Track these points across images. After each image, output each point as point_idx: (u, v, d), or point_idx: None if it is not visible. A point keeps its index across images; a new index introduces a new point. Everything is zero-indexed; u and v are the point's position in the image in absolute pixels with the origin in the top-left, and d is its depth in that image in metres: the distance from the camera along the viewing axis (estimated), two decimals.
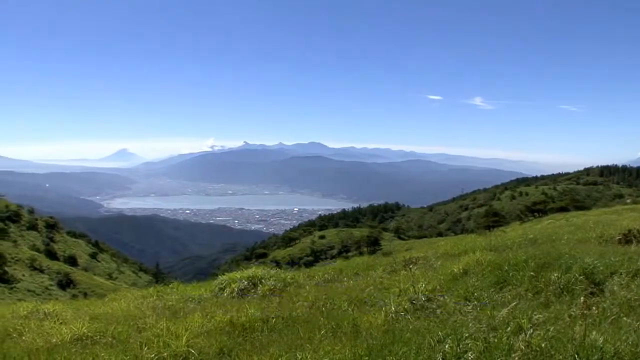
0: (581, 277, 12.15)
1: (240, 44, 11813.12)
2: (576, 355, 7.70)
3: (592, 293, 11.37)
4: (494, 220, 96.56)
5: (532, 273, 12.63)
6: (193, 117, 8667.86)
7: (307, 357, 9.30)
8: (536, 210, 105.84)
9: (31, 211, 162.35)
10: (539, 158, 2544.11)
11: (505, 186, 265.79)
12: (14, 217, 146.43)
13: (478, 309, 10.95)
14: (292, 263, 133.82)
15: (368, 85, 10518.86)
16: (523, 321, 9.11)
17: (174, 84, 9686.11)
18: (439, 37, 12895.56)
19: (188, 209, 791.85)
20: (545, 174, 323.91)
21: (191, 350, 10.55)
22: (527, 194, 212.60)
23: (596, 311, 9.72)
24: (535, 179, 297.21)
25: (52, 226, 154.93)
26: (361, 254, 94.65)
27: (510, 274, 12.92)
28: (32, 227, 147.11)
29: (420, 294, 12.56)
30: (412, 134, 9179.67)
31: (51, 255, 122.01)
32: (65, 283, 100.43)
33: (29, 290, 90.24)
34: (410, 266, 18.55)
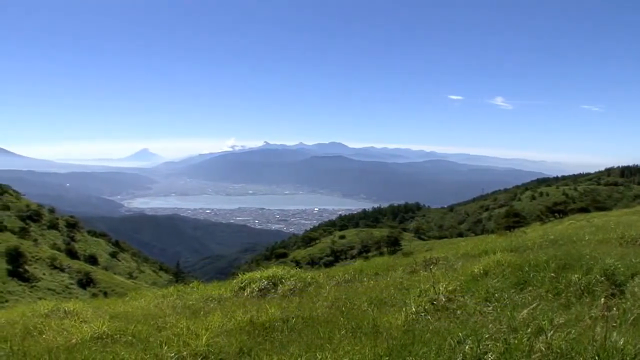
0: (602, 278, 12.09)
1: (262, 45, 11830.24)
2: (597, 357, 7.66)
3: (612, 294, 11.30)
4: (515, 220, 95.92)
5: (552, 274, 12.57)
6: (214, 118, 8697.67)
7: (326, 357, 9.29)
8: (557, 210, 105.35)
9: (52, 210, 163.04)
10: (560, 158, 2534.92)
11: (525, 186, 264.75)
12: (34, 216, 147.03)
13: (498, 309, 10.92)
14: (312, 263, 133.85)
15: (389, 85, 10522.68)
16: (543, 322, 9.04)
17: (195, 85, 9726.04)
18: (460, 38, 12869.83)
19: (208, 209, 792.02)
20: (566, 174, 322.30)
21: (211, 349, 10.56)
22: (547, 195, 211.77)
23: (617, 313, 9.64)
24: (556, 179, 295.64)
25: (72, 225, 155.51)
26: (381, 254, 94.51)
27: (531, 275, 12.86)
28: (53, 226, 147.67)
29: (440, 295, 12.51)
30: (432, 134, 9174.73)
31: (72, 254, 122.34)
32: (86, 282, 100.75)
33: (49, 289, 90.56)
34: (431, 267, 18.52)
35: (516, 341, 8.46)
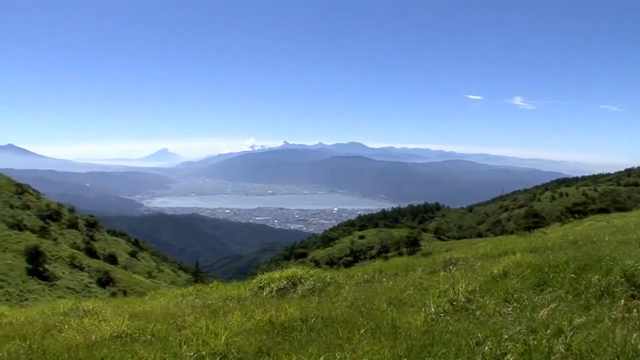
0: (622, 279, 12.00)
1: (280, 46, 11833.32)
2: (616, 359, 7.64)
3: (632, 296, 11.21)
4: (534, 221, 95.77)
5: (572, 275, 12.50)
6: (233, 118, 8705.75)
7: (346, 357, 9.30)
8: (576, 211, 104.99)
9: (71, 210, 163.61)
10: (580, 158, 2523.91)
11: (545, 187, 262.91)
12: (54, 215, 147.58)
13: (518, 310, 10.89)
14: (331, 263, 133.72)
15: (408, 86, 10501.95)
16: (563, 324, 9.01)
17: (215, 85, 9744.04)
18: (479, 37, 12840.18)
19: (228, 209, 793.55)
20: (585, 174, 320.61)
21: (230, 348, 10.59)
22: (567, 195, 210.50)
23: (637, 314, 9.57)
24: (576, 179, 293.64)
25: (92, 225, 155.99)
26: (400, 254, 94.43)
27: (551, 276, 12.78)
28: (73, 225, 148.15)
29: (460, 295, 12.50)
30: (452, 134, 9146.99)
31: (91, 253, 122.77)
32: (105, 281, 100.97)
33: (68, 288, 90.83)
34: (450, 267, 18.49)
35: (536, 342, 8.43)
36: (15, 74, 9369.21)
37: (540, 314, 9.70)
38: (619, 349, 7.83)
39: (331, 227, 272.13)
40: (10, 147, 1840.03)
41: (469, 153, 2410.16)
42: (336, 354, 9.43)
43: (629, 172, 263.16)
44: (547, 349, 8.16)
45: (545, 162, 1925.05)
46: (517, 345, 8.47)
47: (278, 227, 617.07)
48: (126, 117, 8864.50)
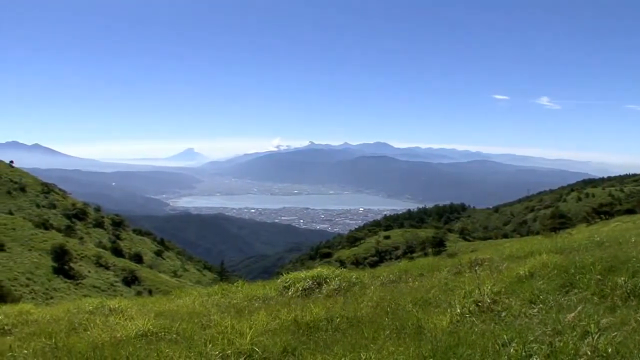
0: None
1: (306, 46, 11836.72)
2: None
3: None
4: (560, 222, 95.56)
5: (598, 276, 12.43)
6: (259, 117, 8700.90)
7: (371, 357, 9.32)
8: (603, 212, 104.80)
9: (97, 209, 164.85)
10: (606, 158, 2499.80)
11: (571, 187, 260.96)
12: (80, 214, 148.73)
13: (544, 312, 10.85)
14: (357, 263, 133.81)
15: (434, 85, 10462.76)
16: (589, 325, 8.99)
17: (241, 85, 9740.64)
18: (505, 37, 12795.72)
19: (253, 208, 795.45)
20: (612, 175, 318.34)
21: (255, 348, 10.61)
22: (593, 196, 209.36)
23: None
24: (602, 180, 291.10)
25: (118, 224, 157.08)
26: (426, 254, 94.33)
27: (577, 277, 12.69)
28: (99, 224, 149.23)
29: (485, 296, 12.46)
30: (477, 133, 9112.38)
31: (117, 252, 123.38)
32: (131, 280, 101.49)
33: (94, 286, 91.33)
34: (476, 268, 18.44)
35: (561, 344, 8.41)
36: (42, 74, 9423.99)
37: (566, 316, 9.68)
38: None
39: (357, 227, 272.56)
40: (37, 147, 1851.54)
41: (495, 153, 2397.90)
42: (361, 354, 9.44)
43: None
44: (573, 351, 8.14)
45: (572, 163, 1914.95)
46: (543, 347, 8.45)
47: (303, 227, 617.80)
48: (152, 117, 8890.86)
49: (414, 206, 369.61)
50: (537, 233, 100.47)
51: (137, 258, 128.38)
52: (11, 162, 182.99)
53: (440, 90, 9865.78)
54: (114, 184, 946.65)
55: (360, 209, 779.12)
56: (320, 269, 19.86)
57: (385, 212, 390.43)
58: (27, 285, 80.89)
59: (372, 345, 9.98)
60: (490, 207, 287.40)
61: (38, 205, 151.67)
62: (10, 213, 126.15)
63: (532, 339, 8.87)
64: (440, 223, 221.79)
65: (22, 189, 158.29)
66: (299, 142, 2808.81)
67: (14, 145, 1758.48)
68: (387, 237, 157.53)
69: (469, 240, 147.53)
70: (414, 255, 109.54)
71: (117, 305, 17.04)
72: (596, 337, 8.38)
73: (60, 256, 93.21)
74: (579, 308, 10.06)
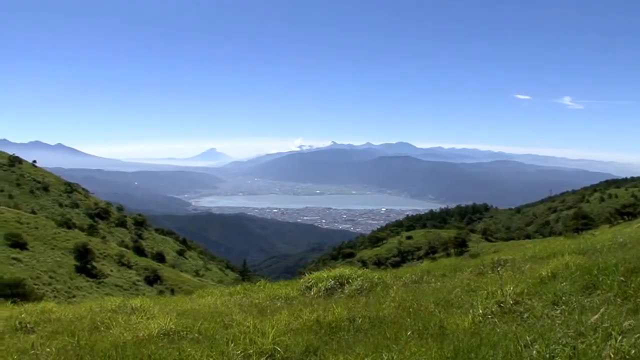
0: None
1: (328, 47, 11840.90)
2: None
3: None
4: (583, 222, 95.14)
5: (621, 278, 12.33)
6: (281, 118, 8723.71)
7: (393, 358, 9.29)
8: (626, 213, 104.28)
9: (120, 208, 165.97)
10: (630, 159, 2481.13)
11: (594, 188, 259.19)
12: (103, 214, 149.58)
13: (566, 313, 10.80)
14: (379, 263, 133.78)
15: (456, 85, 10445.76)
16: (612, 327, 8.93)
17: (263, 85, 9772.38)
18: (528, 37, 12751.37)
19: (276, 208, 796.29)
20: (635, 175, 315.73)
21: (277, 348, 10.60)
22: (616, 197, 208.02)
23: None
24: (625, 180, 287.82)
25: (140, 223, 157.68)
26: (448, 255, 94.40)
27: (600, 279, 12.58)
28: (121, 224, 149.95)
29: (507, 297, 12.42)
30: (500, 133, 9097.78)
31: (139, 251, 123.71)
32: (153, 279, 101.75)
33: (116, 285, 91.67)
34: (498, 269, 18.39)
35: (584, 346, 8.36)
36: (65, 75, 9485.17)
37: (589, 318, 9.63)
38: None
39: (379, 227, 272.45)
40: (60, 147, 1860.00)
41: (517, 153, 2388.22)
42: (383, 355, 9.42)
43: None
44: (595, 353, 8.08)
45: (594, 163, 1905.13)
46: (565, 348, 8.40)
47: (326, 227, 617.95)
48: (175, 117, 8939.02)
49: (436, 206, 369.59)
50: (560, 234, 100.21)
51: (160, 257, 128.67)
52: (34, 161, 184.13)
53: (463, 90, 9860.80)
54: (136, 183, 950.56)
55: (383, 209, 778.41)
56: (342, 269, 19.85)
57: (407, 213, 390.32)
58: (50, 284, 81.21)
59: (394, 345, 9.96)
60: (513, 207, 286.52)
61: (61, 205, 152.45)
62: (33, 212, 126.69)
63: (554, 340, 8.81)
64: (463, 223, 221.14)
65: (45, 189, 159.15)
66: (321, 142, 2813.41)
67: (37, 145, 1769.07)
68: (409, 238, 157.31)
69: (491, 241, 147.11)
70: (436, 255, 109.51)
71: (139, 304, 17.08)
72: (619, 339, 8.32)
73: (83, 255, 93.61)
74: (601, 310, 9.98)
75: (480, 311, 11.91)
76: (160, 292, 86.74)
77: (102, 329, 13.85)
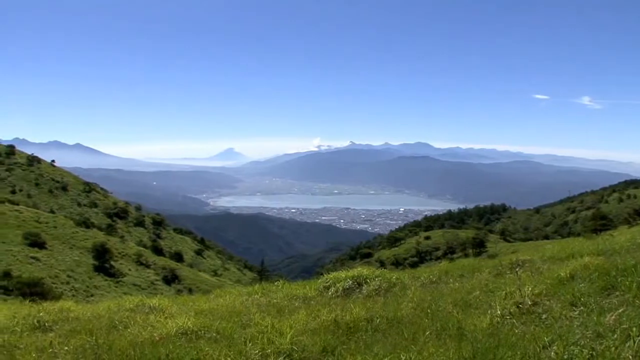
0: None
1: (346, 47, 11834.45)
2: None
3: None
4: (602, 223, 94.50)
5: None
6: (299, 118, 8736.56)
7: (411, 358, 9.29)
8: None
9: (138, 208, 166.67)
10: None
11: (613, 188, 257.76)
12: (121, 213, 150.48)
13: (585, 314, 10.77)
14: (397, 263, 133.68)
15: (474, 85, 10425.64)
16: (631, 329, 8.90)
17: (281, 85, 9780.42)
18: (546, 36, 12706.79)
19: (294, 208, 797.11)
20: None
21: (295, 347, 10.62)
22: (635, 197, 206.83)
23: None
24: None
25: (158, 223, 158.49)
26: (466, 255, 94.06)
27: (618, 280, 12.51)
28: (140, 223, 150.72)
29: (526, 298, 12.39)
30: (518, 134, 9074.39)
31: (157, 251, 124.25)
32: (171, 278, 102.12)
33: (134, 285, 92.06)
34: (516, 269, 18.32)
35: (603, 347, 8.33)
36: (84, 75, 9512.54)
37: (608, 319, 9.60)
38: None
39: (397, 227, 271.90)
40: (78, 147, 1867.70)
41: (536, 154, 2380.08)
42: (401, 355, 9.41)
43: None
44: (614, 355, 8.05)
45: (613, 163, 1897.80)
46: (584, 350, 8.38)
47: (344, 227, 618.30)
48: (193, 117, 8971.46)
49: (454, 207, 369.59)
50: (578, 234, 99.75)
51: (178, 257, 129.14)
52: (53, 161, 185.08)
53: (481, 90, 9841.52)
54: (155, 183, 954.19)
55: (401, 209, 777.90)
56: (360, 269, 19.79)
57: (425, 213, 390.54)
58: (68, 283, 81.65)
59: (412, 346, 9.93)
60: (531, 208, 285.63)
61: (79, 204, 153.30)
62: (52, 212, 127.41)
63: (573, 341, 8.79)
64: (481, 224, 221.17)
65: (64, 188, 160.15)
66: (340, 142, 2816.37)
67: (56, 144, 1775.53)
68: (427, 238, 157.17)
69: (509, 242, 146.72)
70: (455, 256, 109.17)
71: (157, 304, 17.11)
72: (638, 340, 8.28)
73: (101, 254, 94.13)
74: (620, 311, 9.95)
75: (499, 312, 11.89)
76: (178, 292, 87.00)
77: (120, 328, 13.89)
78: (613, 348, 8.25)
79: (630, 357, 7.86)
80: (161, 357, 10.50)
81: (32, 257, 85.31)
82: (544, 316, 11.29)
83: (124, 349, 11.20)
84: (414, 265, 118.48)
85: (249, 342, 10.98)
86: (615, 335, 8.76)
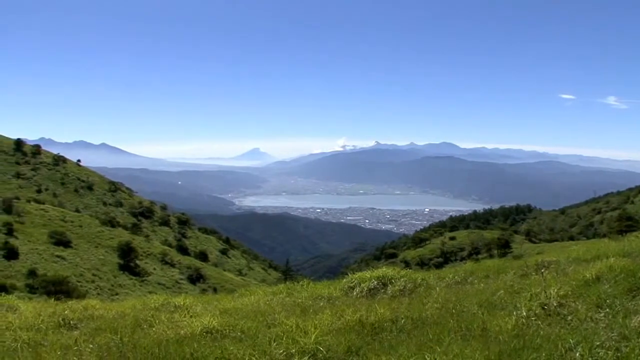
0: None
1: (371, 47, 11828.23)
2: None
3: None
4: (628, 224, 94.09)
5: None
6: (325, 117, 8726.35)
7: (435, 359, 9.31)
8: None
9: (164, 207, 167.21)
10: None
11: (639, 189, 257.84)
12: (147, 213, 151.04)
13: (610, 316, 10.73)
14: (422, 264, 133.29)
15: (499, 84, 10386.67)
16: None
17: (306, 85, 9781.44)
18: (572, 35, 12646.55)
19: (319, 208, 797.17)
20: None
21: (319, 347, 10.64)
22: None
23: None
24: None
25: (184, 222, 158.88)
26: (491, 256, 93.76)
27: None
28: (165, 222, 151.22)
29: (551, 299, 12.35)
30: (544, 134, 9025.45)
31: (182, 250, 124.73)
32: (196, 277, 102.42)
33: (159, 284, 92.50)
34: (542, 270, 18.27)
35: (628, 350, 8.33)
36: (110, 75, 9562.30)
37: (633, 321, 9.59)
38: None
39: (422, 227, 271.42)
40: (104, 146, 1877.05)
41: (561, 154, 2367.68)
42: (426, 356, 9.43)
43: None
44: (639, 357, 8.06)
45: (639, 164, 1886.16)
46: (609, 352, 8.37)
47: (369, 227, 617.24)
48: (218, 117, 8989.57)
49: (479, 207, 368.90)
50: (604, 236, 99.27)
51: (203, 256, 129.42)
52: (78, 161, 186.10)
53: (506, 90, 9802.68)
54: (180, 183, 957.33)
55: (426, 210, 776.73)
56: (385, 270, 19.75)
57: (450, 213, 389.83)
58: (93, 281, 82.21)
59: (437, 347, 9.91)
60: (557, 208, 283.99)
61: (105, 203, 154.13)
62: (77, 211, 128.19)
63: (598, 343, 8.78)
64: (506, 224, 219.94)
65: (90, 188, 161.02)
66: (365, 142, 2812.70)
67: (81, 144, 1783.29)
68: (452, 238, 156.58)
69: (534, 242, 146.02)
70: (480, 256, 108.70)
71: (182, 303, 17.18)
72: None
73: (126, 253, 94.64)
74: None
75: (524, 313, 11.86)
76: (203, 291, 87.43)
77: (144, 326, 13.96)
78: (638, 350, 8.25)
79: None
80: (186, 356, 10.55)
81: (58, 256, 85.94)
82: (569, 318, 11.27)
83: (149, 347, 11.23)
84: (438, 265, 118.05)
85: (274, 342, 11.02)
86: None
